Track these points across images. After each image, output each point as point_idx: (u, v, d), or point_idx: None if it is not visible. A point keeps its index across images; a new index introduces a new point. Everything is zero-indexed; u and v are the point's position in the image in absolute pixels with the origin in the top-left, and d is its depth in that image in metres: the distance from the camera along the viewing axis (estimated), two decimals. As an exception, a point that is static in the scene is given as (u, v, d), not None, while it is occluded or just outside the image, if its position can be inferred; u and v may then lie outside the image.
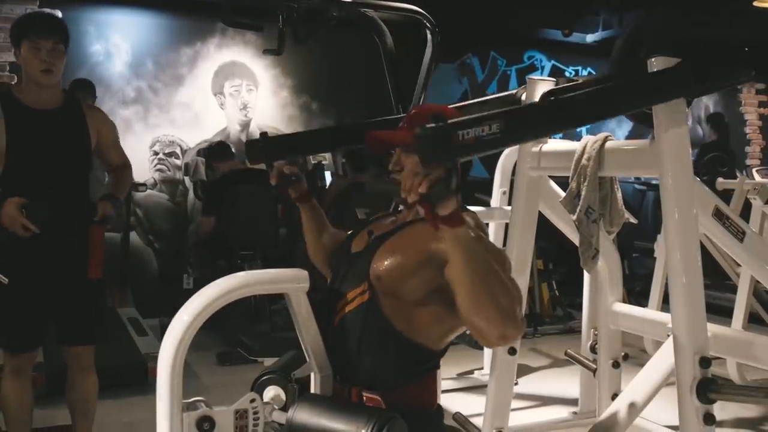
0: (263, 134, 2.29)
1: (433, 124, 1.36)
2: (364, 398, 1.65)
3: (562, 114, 1.73)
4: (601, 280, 2.95)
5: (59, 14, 4.48)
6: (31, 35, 2.68)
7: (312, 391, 1.69)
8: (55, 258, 2.71)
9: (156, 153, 6.23)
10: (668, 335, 2.02)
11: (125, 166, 3.06)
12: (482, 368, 4.33)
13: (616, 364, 3.04)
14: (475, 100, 3.06)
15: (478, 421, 2.74)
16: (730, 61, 2.03)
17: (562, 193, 2.46)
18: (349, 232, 1.93)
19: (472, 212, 1.74)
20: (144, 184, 5.88)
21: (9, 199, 2.59)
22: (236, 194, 5.15)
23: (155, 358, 1.55)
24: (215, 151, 5.69)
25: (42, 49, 2.66)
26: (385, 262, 1.64)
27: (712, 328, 2.08)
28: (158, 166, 6.24)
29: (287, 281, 1.65)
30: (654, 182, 6.35)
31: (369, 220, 1.93)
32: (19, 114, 2.70)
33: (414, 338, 1.65)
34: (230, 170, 5.40)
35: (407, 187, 1.38)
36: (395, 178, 1.73)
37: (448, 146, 1.38)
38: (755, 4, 6.03)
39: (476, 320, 1.41)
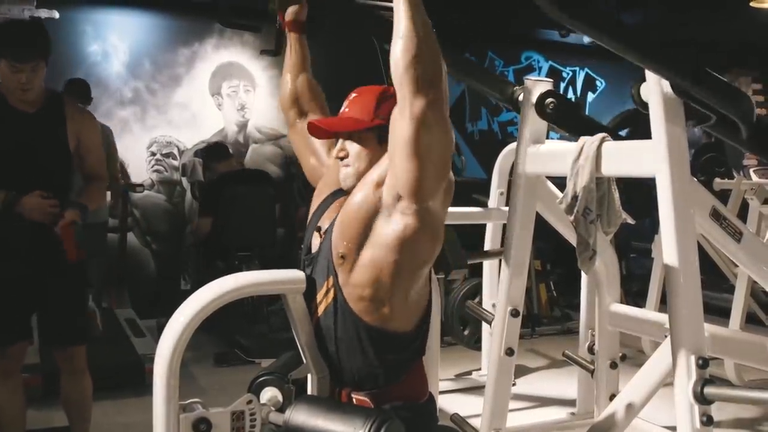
0: None
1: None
2: (354, 400, 1.65)
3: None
4: (598, 281, 2.95)
5: (56, 15, 4.44)
6: (10, 58, 2.57)
7: (309, 392, 1.69)
8: (32, 249, 2.67)
9: (153, 154, 6.22)
10: (666, 336, 2.02)
11: (96, 179, 2.90)
12: (480, 369, 4.33)
13: (613, 365, 3.04)
14: None
15: (476, 422, 2.74)
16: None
17: (560, 194, 2.45)
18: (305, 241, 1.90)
19: None
20: (141, 185, 5.88)
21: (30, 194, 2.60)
22: (233, 195, 5.14)
23: (152, 359, 1.55)
24: (212, 150, 5.68)
25: (23, 71, 2.58)
26: (342, 241, 1.64)
27: (710, 329, 2.08)
28: (155, 167, 6.23)
29: (284, 282, 1.66)
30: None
31: (313, 218, 1.89)
32: (1, 111, 2.67)
33: (385, 327, 1.64)
34: (227, 171, 5.39)
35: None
36: (341, 164, 1.74)
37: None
38: (752, 4, 6.03)
39: (408, 62, 1.47)
